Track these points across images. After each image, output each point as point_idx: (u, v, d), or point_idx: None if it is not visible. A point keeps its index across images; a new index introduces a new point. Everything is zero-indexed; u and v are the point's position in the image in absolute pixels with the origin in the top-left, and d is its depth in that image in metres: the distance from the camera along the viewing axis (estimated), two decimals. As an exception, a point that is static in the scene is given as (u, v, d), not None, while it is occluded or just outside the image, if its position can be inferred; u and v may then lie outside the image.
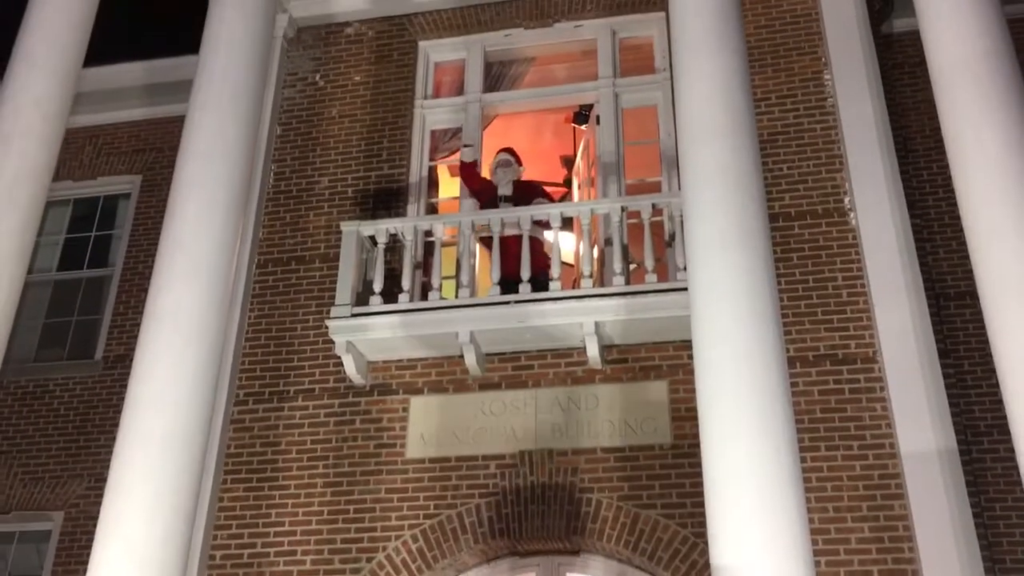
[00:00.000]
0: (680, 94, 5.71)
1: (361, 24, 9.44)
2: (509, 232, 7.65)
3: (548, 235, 7.67)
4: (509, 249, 7.61)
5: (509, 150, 8.45)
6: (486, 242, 7.91)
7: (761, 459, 4.62)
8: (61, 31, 6.59)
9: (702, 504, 4.89)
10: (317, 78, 9.27)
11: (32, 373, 9.15)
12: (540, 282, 7.45)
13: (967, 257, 5.35)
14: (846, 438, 6.77)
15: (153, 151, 10.08)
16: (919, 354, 6.78)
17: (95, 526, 5.15)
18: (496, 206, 7.97)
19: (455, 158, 8.99)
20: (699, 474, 4.96)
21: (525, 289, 7.32)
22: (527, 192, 8.15)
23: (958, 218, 5.45)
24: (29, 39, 6.55)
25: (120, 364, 8.81)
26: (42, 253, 9.80)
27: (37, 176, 6.15)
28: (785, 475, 4.61)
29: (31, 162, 6.14)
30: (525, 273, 7.37)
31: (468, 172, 8.38)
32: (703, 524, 4.94)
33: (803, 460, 5.38)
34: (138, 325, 5.74)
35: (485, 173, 8.51)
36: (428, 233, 7.91)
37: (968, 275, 5.64)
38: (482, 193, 8.25)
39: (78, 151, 10.17)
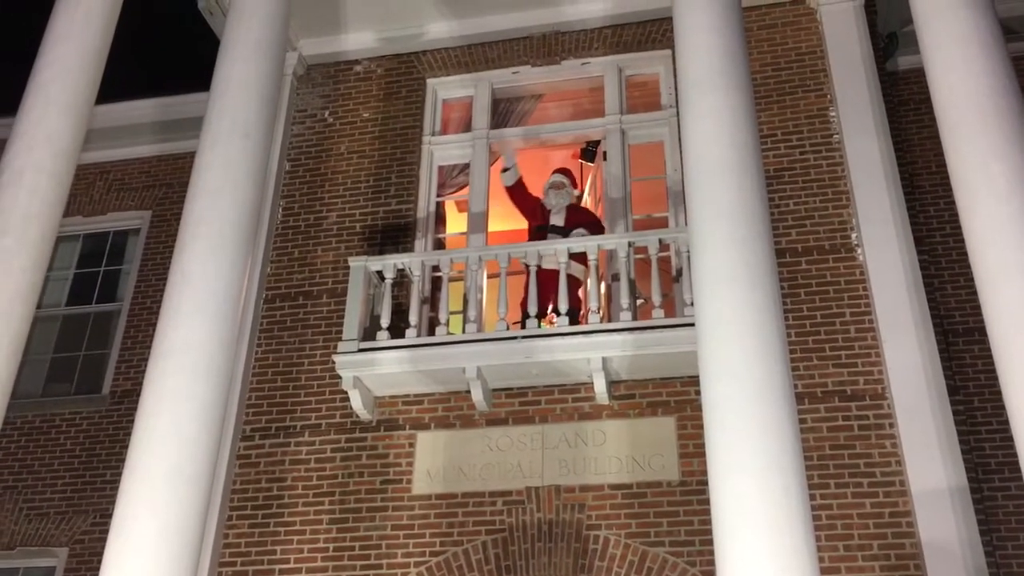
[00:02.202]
0: (686, 131, 5.74)
1: (370, 62, 9.55)
2: (547, 266, 7.63)
3: (574, 270, 7.69)
4: (545, 283, 7.60)
5: (565, 171, 8.45)
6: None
7: (770, 496, 4.58)
8: (74, 68, 6.65)
9: (711, 542, 4.84)
10: (326, 115, 9.35)
11: (39, 408, 9.16)
12: (574, 313, 7.49)
13: (975, 293, 5.33)
14: (856, 475, 6.72)
15: (163, 187, 10.17)
16: (928, 390, 6.75)
17: (100, 563, 5.11)
18: (546, 230, 7.98)
19: (463, 194, 9.04)
20: (708, 511, 4.92)
21: (532, 324, 7.33)
22: (577, 222, 8.10)
23: (966, 254, 5.43)
24: (43, 76, 6.62)
25: (127, 399, 8.82)
26: (51, 288, 9.85)
27: (49, 211, 6.18)
28: (794, 513, 4.56)
29: (43, 197, 6.16)
30: (532, 308, 7.38)
31: (515, 193, 8.32)
32: (712, 562, 4.89)
33: (812, 498, 5.34)
34: (146, 360, 5.74)
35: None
36: (435, 268, 7.94)
37: (976, 311, 5.62)
38: (532, 215, 8.23)
39: (89, 187, 10.26)
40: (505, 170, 8.36)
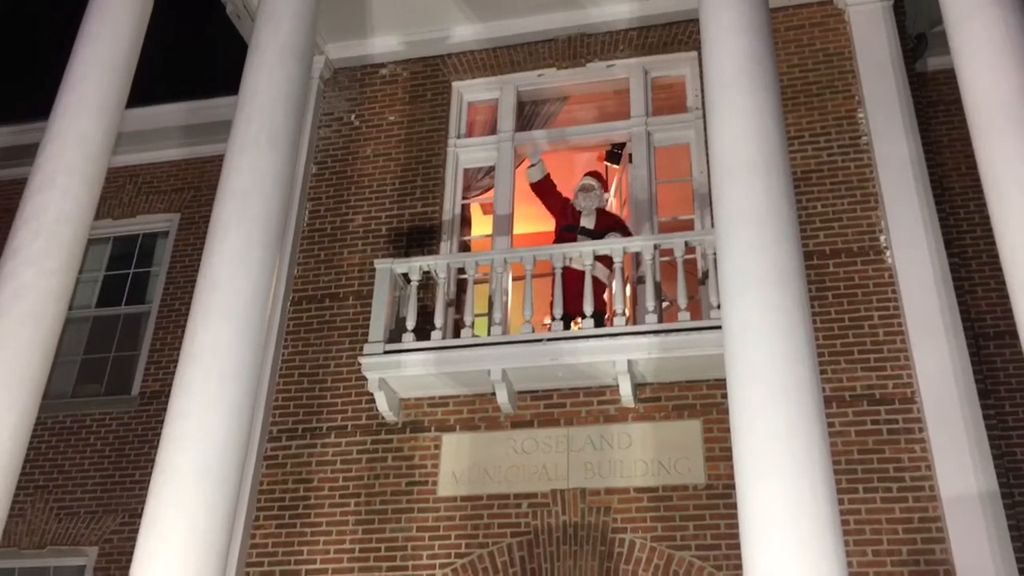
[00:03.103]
0: (713, 133, 5.71)
1: (396, 65, 9.59)
2: (574, 266, 7.66)
3: (599, 272, 7.70)
4: (570, 285, 7.62)
5: (595, 174, 8.46)
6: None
7: (797, 501, 4.55)
8: (105, 72, 6.74)
9: (737, 546, 4.81)
10: (352, 118, 9.40)
11: (69, 408, 9.26)
12: (600, 317, 7.51)
13: (1007, 296, 5.27)
14: (885, 480, 6.66)
15: (192, 190, 10.25)
16: (958, 394, 6.67)
17: (129, 562, 5.17)
18: (575, 231, 8.00)
19: (488, 196, 9.05)
20: (734, 515, 4.89)
21: (557, 327, 7.33)
22: (607, 225, 8.12)
23: (996, 256, 5.38)
24: (74, 80, 6.71)
25: (156, 400, 8.90)
26: (81, 289, 9.96)
27: (80, 214, 6.26)
28: (822, 517, 4.53)
29: (74, 199, 6.25)
30: (557, 311, 7.38)
31: (542, 190, 8.36)
32: (739, 567, 4.86)
33: (840, 502, 5.29)
34: (174, 361, 5.80)
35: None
36: (461, 270, 7.96)
37: (1008, 314, 5.57)
38: (560, 214, 8.24)
39: (118, 190, 10.37)
40: (532, 166, 8.39)
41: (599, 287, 7.79)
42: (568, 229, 8.10)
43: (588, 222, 8.09)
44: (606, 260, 7.69)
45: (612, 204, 9.62)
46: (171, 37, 11.22)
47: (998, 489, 6.33)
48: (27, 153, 7.99)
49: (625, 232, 8.11)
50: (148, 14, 7.20)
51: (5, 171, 10.92)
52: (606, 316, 7.78)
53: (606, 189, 8.42)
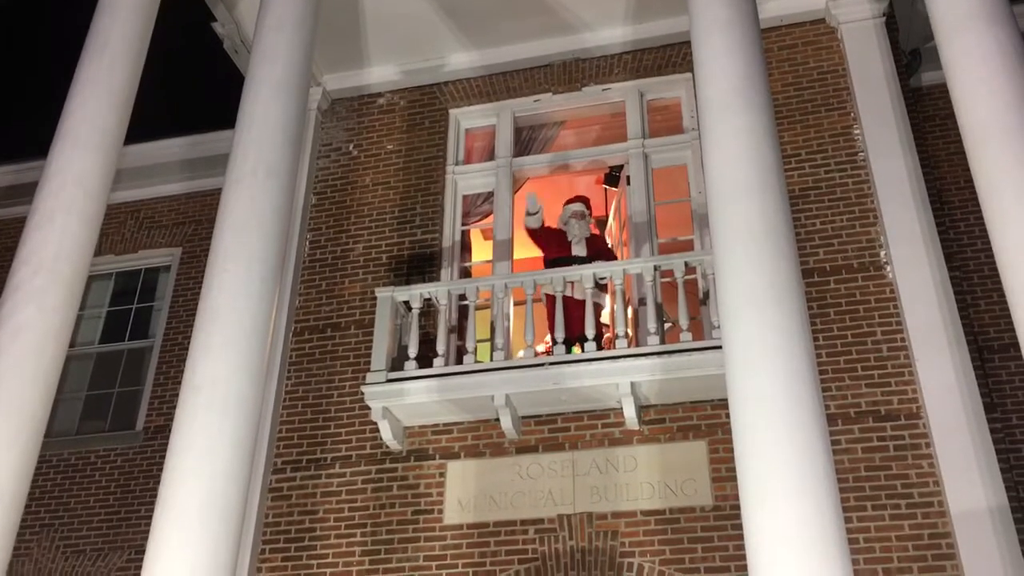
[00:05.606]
0: (708, 153, 5.73)
1: (393, 94, 9.65)
2: (576, 295, 7.69)
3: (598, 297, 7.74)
4: (571, 310, 7.61)
5: (583, 199, 8.50)
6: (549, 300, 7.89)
7: (805, 520, 4.51)
8: (102, 111, 6.78)
9: (746, 568, 4.78)
10: (351, 148, 9.45)
11: (74, 445, 9.25)
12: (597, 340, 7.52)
13: (1009, 308, 5.25)
14: (893, 496, 6.61)
15: (192, 223, 10.30)
16: (964, 408, 6.64)
17: (134, 599, 5.14)
18: (569, 262, 8.01)
19: (488, 222, 9.07)
20: (742, 536, 4.85)
21: (559, 351, 7.32)
22: (598, 250, 8.18)
23: (997, 268, 5.36)
24: (72, 119, 6.75)
25: (160, 435, 8.89)
26: (85, 326, 9.98)
27: (79, 251, 6.27)
28: (830, 536, 4.49)
29: (73, 237, 6.26)
30: (559, 334, 7.37)
31: (537, 234, 8.43)
32: (747, 589, 4.81)
33: (849, 520, 5.27)
34: (178, 396, 5.78)
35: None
36: (462, 297, 7.96)
37: (1011, 326, 5.53)
38: (550, 246, 8.27)
39: (120, 225, 10.42)
40: (532, 214, 8.45)
41: (595, 311, 7.78)
42: (562, 261, 8.09)
43: (580, 250, 8.13)
44: (601, 285, 7.73)
45: (612, 227, 9.63)
46: (169, 72, 11.30)
47: (1007, 503, 6.28)
48: (27, 192, 8.04)
49: (612, 257, 8.14)
50: (146, 50, 7.25)
51: (5, 210, 10.99)
52: (604, 339, 7.77)
53: (592, 213, 8.48)
